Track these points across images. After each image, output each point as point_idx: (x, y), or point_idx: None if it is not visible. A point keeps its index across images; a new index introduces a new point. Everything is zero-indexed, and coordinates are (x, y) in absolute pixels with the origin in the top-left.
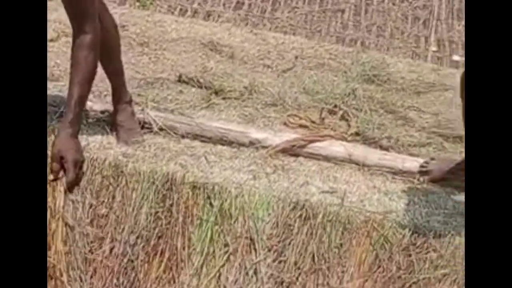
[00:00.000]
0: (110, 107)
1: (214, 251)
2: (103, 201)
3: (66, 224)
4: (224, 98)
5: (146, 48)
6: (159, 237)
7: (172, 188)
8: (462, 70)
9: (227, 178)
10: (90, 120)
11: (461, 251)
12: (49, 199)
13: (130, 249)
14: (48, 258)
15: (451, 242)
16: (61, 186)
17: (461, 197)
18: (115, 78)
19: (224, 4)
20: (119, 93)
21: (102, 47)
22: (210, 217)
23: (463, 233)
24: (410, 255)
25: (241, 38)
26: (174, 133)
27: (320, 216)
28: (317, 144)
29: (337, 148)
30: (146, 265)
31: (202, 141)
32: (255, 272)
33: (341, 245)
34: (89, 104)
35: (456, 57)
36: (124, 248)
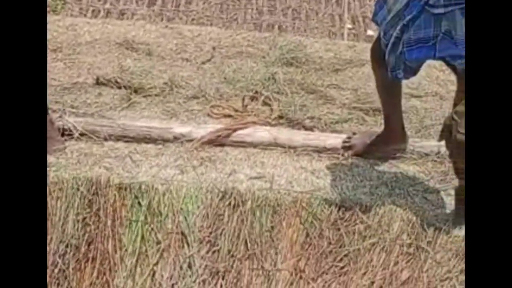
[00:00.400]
0: None
1: (146, 250)
2: None
3: None
4: (144, 96)
5: (60, 54)
6: (89, 243)
7: (98, 192)
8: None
9: (154, 175)
10: None
11: (387, 219)
12: None
13: (60, 259)
14: None
15: (377, 212)
16: None
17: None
18: None
19: (137, 2)
20: None
21: None
22: (140, 216)
23: (387, 202)
24: (339, 229)
25: (157, 34)
26: (96, 136)
27: (249, 202)
28: (242, 131)
29: (262, 133)
30: (78, 273)
31: (125, 141)
32: (189, 266)
33: (272, 228)
34: None
35: (370, 32)
36: (53, 259)
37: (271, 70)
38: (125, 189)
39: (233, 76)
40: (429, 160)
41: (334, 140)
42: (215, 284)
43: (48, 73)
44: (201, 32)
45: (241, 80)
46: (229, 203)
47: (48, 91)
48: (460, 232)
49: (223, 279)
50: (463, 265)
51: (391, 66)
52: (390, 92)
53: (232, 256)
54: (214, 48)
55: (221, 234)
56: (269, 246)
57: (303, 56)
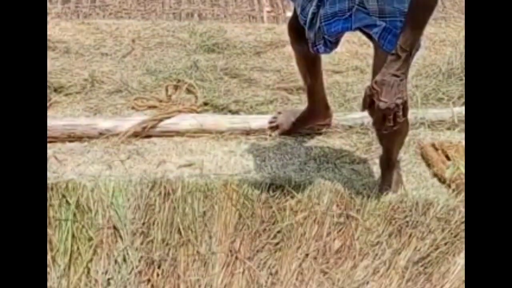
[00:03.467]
0: None
1: (78, 248)
2: None
3: None
4: (66, 95)
5: None
6: None
7: None
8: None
9: (81, 173)
10: None
11: (316, 192)
12: None
13: None
14: None
15: (306, 187)
16: None
17: None
18: None
19: (50, 0)
20: None
21: None
22: (69, 215)
23: (316, 176)
24: (271, 207)
25: (74, 31)
26: None
27: (179, 189)
28: (168, 121)
29: (188, 121)
30: None
31: (49, 141)
32: (124, 259)
33: (204, 213)
34: None
35: (289, 13)
36: None
37: (193, 58)
38: (51, 189)
39: (155, 67)
40: (354, 132)
41: (260, 121)
42: (152, 274)
43: None
44: (119, 26)
45: (163, 70)
46: (160, 193)
47: None
48: (385, 198)
49: (159, 268)
50: (391, 229)
51: (311, 42)
52: (310, 68)
53: (167, 244)
54: (133, 41)
55: (153, 224)
56: (203, 231)
57: (224, 41)
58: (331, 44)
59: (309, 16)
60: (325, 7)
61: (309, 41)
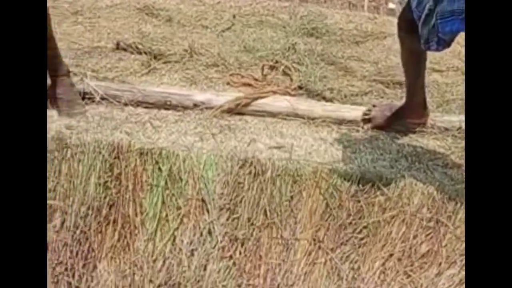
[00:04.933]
0: (47, 80)
1: (167, 215)
2: (49, 176)
3: None
4: (164, 62)
5: (80, 17)
6: (110, 206)
7: (119, 156)
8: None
9: (174, 142)
10: None
11: (407, 192)
12: None
13: (81, 220)
14: None
15: (397, 184)
16: None
17: None
18: (49, 52)
19: None
20: (54, 66)
21: None
22: (160, 182)
23: (407, 175)
24: (359, 201)
25: (177, 0)
26: (117, 101)
27: (269, 171)
28: (261, 101)
29: (281, 103)
30: (99, 235)
31: (145, 107)
32: (209, 232)
33: (291, 197)
34: None
35: (391, 5)
36: (75, 220)
37: (291, 40)
38: (146, 154)
39: (252, 45)
40: (450, 135)
41: (354, 112)
42: (234, 251)
43: (68, 36)
44: (221, 0)
45: (261, 49)
46: (249, 172)
47: (69, 55)
48: None
49: (242, 246)
50: None
51: (424, 38)
52: (415, 63)
53: (252, 224)
54: (234, 16)
55: (240, 202)
56: (289, 216)
57: (324, 27)
58: (444, 42)
59: (425, 11)
60: (443, 4)
61: (421, 37)
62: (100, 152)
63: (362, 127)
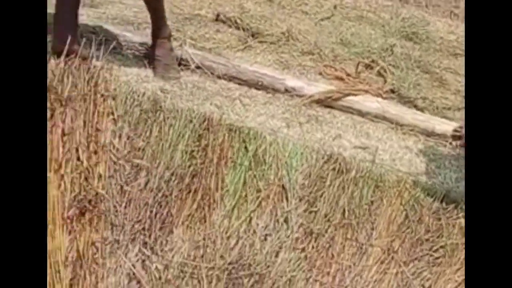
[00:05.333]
0: (148, 40)
1: (246, 195)
2: (140, 134)
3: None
4: (260, 42)
5: None
6: (193, 176)
7: (209, 129)
8: None
9: (262, 123)
10: (128, 52)
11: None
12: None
13: (164, 184)
14: (89, 187)
15: None
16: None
17: None
18: (155, 12)
19: None
20: (158, 27)
21: None
22: (244, 161)
23: None
24: (439, 219)
25: None
26: (211, 72)
27: (353, 171)
28: (352, 98)
29: (372, 103)
30: (179, 201)
31: (237, 83)
32: (286, 220)
33: (372, 202)
34: (128, 35)
35: None
36: (159, 183)
37: (390, 41)
38: (234, 131)
39: (350, 39)
40: None
41: (444, 126)
42: (307, 245)
43: (171, 0)
44: None
45: (358, 45)
46: (333, 168)
47: (170, 19)
48: None
49: (315, 241)
50: None
51: None
52: None
53: (328, 220)
54: (335, 7)
55: (321, 196)
56: (366, 220)
57: (424, 33)
58: None
59: None
60: None
61: None
62: (191, 121)
63: (450, 143)
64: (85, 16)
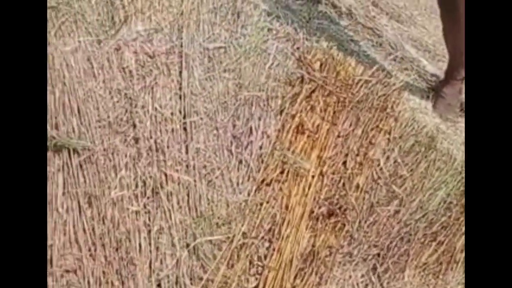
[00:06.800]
0: (440, 74)
1: None
2: (407, 164)
3: None
4: None
5: None
6: (442, 227)
7: None
8: None
9: None
10: (417, 78)
11: None
12: None
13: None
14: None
15: None
16: None
17: None
18: (454, 51)
19: None
20: (455, 67)
21: (455, 20)
22: None
23: None
24: None
25: None
26: None
27: None
28: None
29: None
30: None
31: None
32: None
33: None
34: (423, 62)
35: None
36: (408, 218)
37: None
38: None
39: None
40: None
41: None
42: None
43: None
44: None
45: None
46: None
47: None
48: None
49: None
50: None
51: None
52: None
53: None
54: None
55: None
56: None
57: None
58: None
59: None
60: None
61: None
62: (460, 173)
63: None
64: (389, 27)
